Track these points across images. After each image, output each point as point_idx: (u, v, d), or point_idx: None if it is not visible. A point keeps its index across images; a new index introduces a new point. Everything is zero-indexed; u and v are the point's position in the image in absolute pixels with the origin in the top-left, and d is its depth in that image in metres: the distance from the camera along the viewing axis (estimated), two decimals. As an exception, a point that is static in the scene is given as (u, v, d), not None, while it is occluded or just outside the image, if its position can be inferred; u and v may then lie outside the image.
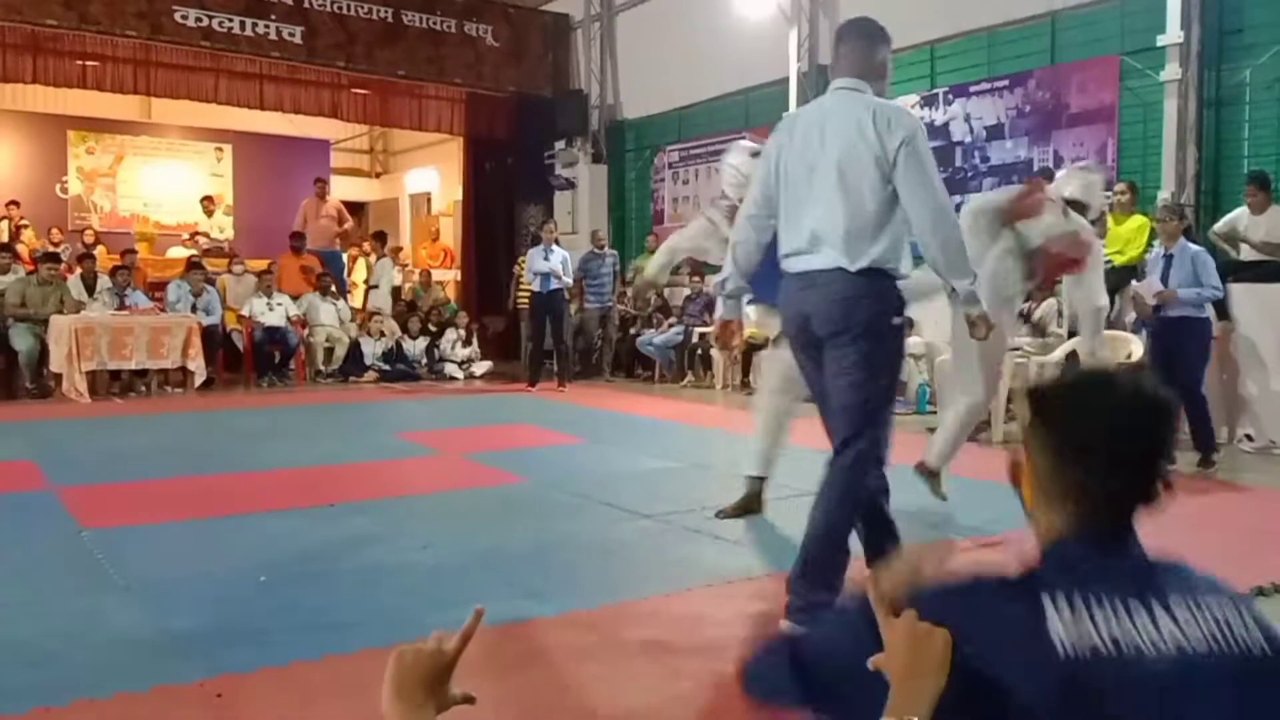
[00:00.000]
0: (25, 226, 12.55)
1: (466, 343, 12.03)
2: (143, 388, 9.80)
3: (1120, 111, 8.10)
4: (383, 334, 11.76)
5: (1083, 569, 1.18)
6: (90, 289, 10.20)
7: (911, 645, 1.13)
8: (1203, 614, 1.15)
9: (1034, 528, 1.28)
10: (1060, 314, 7.43)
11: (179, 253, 12.84)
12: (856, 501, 3.14)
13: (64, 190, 14.61)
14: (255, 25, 11.31)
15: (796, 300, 3.17)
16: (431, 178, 17.42)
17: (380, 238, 13.66)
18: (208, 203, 14.11)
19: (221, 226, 14.53)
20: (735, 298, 3.44)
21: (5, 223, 12.33)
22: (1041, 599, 1.14)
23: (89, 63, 11.72)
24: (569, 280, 10.67)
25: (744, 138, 5.18)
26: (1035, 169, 8.44)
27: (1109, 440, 1.20)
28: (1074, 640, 1.11)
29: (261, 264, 12.02)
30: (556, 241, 10.71)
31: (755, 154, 4.23)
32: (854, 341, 3.04)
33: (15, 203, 12.66)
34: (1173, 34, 7.49)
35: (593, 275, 11.53)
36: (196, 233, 13.63)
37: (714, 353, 10.60)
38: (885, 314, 3.09)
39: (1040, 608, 1.14)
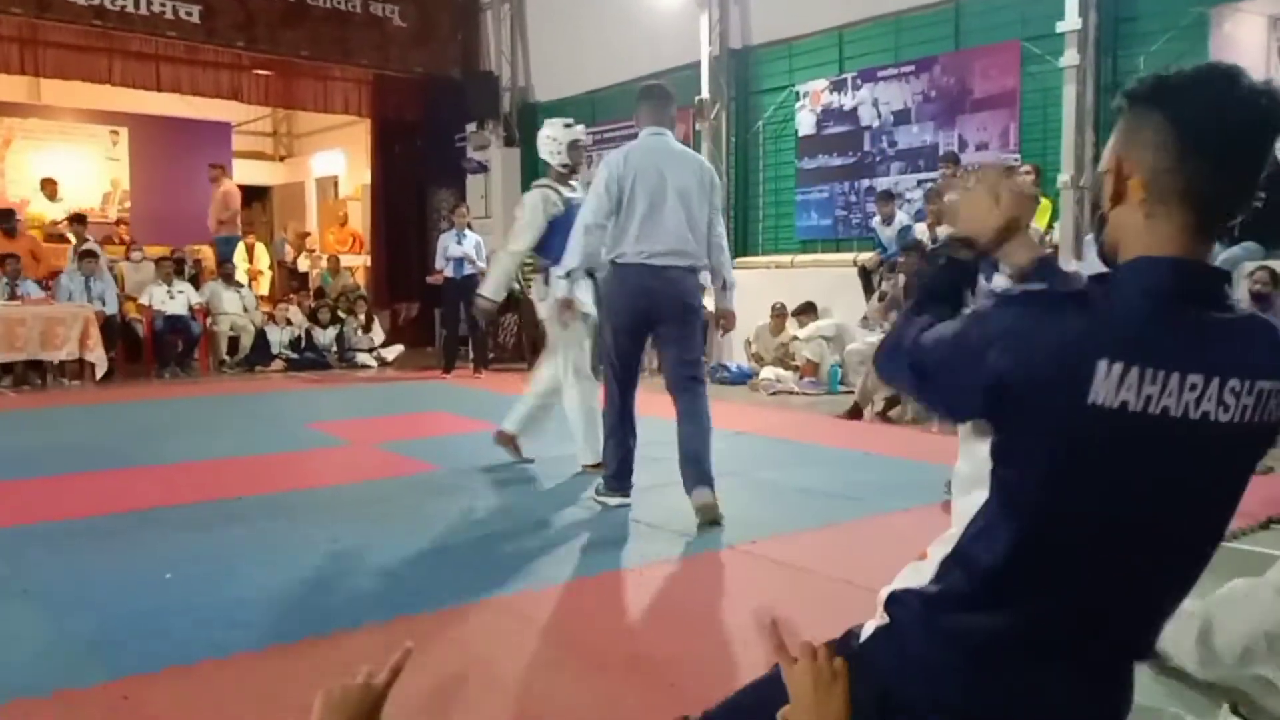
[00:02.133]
0: None
1: (366, 329, 11.83)
2: (38, 380, 9.44)
3: (1022, 96, 8.30)
4: (289, 322, 11.50)
5: (1150, 329, 1.14)
6: (-22, 279, 9.77)
7: (815, 688, 1.20)
8: (1249, 397, 1.15)
9: (1109, 238, 1.24)
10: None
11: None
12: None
13: (-54, 176, 13.93)
14: (150, 4, 10.89)
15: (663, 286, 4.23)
16: (338, 161, 17.04)
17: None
18: (48, 186, 13.42)
19: (67, 210, 13.52)
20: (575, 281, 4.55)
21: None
22: (1095, 360, 1.11)
23: (-29, 42, 11.21)
24: (483, 264, 10.57)
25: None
26: (941, 153, 8.62)
27: (1231, 137, 1.15)
28: (1105, 396, 1.11)
29: (162, 250, 11.64)
30: (469, 226, 10.60)
31: (568, 124, 5.89)
32: (697, 316, 4.43)
33: None
34: (1071, 21, 7.70)
35: None
36: (57, 222, 12.65)
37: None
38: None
39: (1089, 351, 1.12)
